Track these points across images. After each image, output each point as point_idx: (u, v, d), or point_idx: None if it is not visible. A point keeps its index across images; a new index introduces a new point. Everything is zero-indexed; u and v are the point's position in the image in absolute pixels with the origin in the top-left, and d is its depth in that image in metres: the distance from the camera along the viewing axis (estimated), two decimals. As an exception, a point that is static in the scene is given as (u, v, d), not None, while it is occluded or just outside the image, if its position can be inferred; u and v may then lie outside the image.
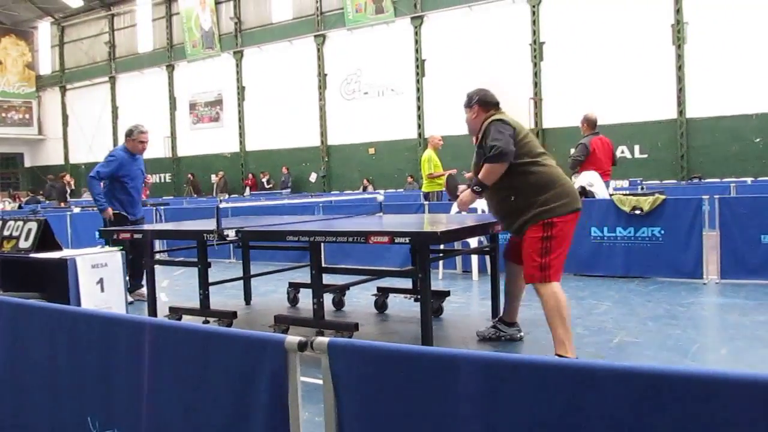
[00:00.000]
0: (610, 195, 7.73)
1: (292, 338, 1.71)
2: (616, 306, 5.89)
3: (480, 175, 4.27)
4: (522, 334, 4.89)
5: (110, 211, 6.87)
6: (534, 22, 19.07)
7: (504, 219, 4.49)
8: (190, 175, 26.14)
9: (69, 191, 19.49)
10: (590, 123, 8.48)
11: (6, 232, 4.57)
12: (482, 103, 4.55)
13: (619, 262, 7.26)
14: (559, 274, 4.31)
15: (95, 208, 9.33)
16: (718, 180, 15.61)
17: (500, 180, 4.27)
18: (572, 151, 8.58)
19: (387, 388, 1.60)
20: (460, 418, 1.49)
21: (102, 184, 7.01)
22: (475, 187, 4.33)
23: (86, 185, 7.20)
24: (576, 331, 5.06)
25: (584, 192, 7.70)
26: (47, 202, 18.77)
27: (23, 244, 4.44)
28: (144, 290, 6.99)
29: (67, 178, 20.45)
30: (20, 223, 4.58)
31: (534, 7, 19.06)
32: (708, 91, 16.81)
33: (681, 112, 17.35)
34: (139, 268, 6.81)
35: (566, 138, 18.65)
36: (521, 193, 4.25)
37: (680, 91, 17.26)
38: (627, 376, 1.31)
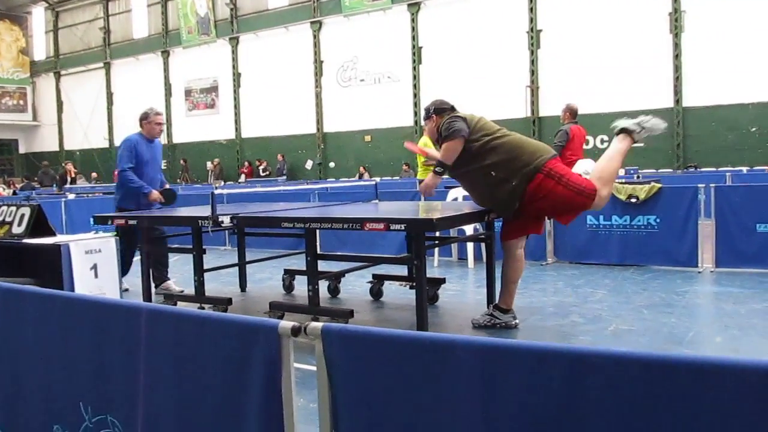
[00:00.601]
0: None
1: (286, 323, 1.70)
2: (612, 294, 5.89)
3: (440, 155, 4.60)
4: (517, 321, 4.88)
5: (155, 193, 6.58)
6: (531, 10, 19.00)
7: (497, 200, 4.61)
8: (182, 161, 26.02)
9: (69, 180, 19.48)
10: (572, 112, 8.93)
11: (-1, 218, 4.54)
12: (438, 111, 4.82)
13: (615, 251, 7.27)
14: (593, 183, 4.54)
15: (89, 195, 9.28)
16: (713, 169, 15.62)
17: (475, 165, 4.56)
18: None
19: (382, 373, 1.59)
20: (456, 403, 1.48)
21: (117, 174, 6.73)
22: (436, 169, 4.64)
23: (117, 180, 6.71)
24: (571, 319, 5.07)
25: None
26: (41, 188, 18.72)
27: (16, 230, 4.41)
28: (170, 283, 6.73)
29: (69, 166, 20.43)
30: (13, 208, 4.55)
31: (531, -6, 19.00)
32: (705, 80, 16.79)
33: (678, 101, 17.34)
34: (162, 257, 6.76)
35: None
36: (498, 165, 4.50)
37: (677, 79, 17.24)
38: (624, 362, 1.30)
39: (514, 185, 4.46)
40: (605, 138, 17.87)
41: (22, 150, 33.41)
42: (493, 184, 4.54)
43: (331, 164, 23.28)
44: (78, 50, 30.32)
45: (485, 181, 4.58)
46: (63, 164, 21.11)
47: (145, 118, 6.76)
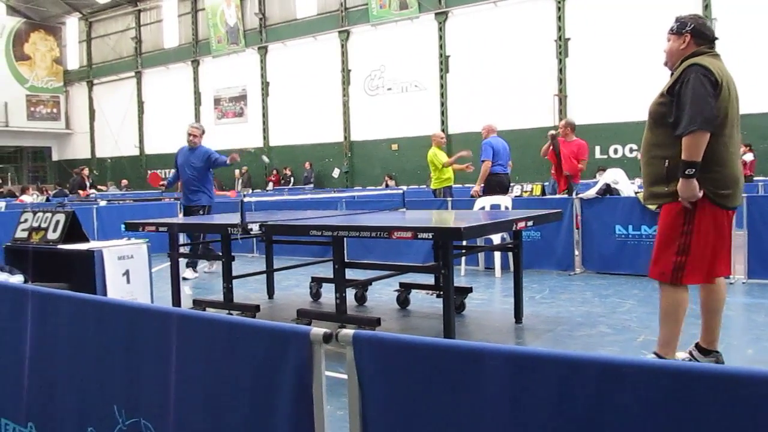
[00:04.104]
0: (635, 193, 7.65)
1: (317, 330, 1.72)
2: (641, 304, 5.83)
3: (683, 155, 3.50)
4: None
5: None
6: (559, 18, 18.91)
7: (646, 181, 3.90)
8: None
9: (87, 185, 19.83)
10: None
11: (35, 224, 4.64)
12: (697, 34, 3.82)
13: (644, 261, 7.15)
14: (695, 277, 3.71)
15: (120, 202, 9.91)
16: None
17: (662, 135, 3.66)
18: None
19: (412, 381, 1.60)
20: (485, 412, 1.49)
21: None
22: (686, 171, 3.50)
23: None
24: (599, 330, 5.02)
25: (609, 189, 7.64)
26: (72, 195, 19.03)
27: (51, 236, 4.50)
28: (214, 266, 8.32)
29: (85, 172, 20.80)
30: (48, 214, 4.65)
31: (559, 3, 18.89)
32: (736, 88, 16.54)
33: (708, 110, 17.09)
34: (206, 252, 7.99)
35: (591, 135, 18.48)
36: (678, 161, 3.55)
37: (708, 88, 16.99)
38: (655, 372, 1.29)
39: (665, 193, 3.85)
40: (634, 147, 17.72)
41: (55, 157, 34.02)
42: (657, 170, 3.82)
43: (335, 173, 23.35)
44: (110, 59, 30.85)
45: (653, 160, 3.85)
46: (80, 169, 21.54)
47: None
